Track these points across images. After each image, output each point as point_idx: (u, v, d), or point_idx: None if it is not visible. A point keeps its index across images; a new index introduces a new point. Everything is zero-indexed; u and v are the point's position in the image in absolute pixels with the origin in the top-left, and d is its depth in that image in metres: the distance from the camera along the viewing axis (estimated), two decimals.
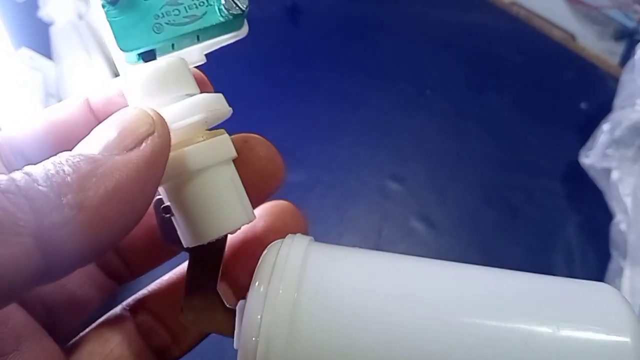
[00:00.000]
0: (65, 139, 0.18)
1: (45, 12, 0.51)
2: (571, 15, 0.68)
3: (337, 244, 0.19)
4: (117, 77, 0.19)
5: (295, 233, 0.20)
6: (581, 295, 0.18)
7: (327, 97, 0.56)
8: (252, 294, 0.16)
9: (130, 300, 0.21)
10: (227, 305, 0.18)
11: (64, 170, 0.13)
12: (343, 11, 0.62)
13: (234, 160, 0.18)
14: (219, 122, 0.18)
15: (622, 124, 0.49)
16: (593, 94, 0.60)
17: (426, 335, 0.15)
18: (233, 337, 0.17)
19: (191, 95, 0.17)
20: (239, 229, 0.18)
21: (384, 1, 0.64)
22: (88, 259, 0.14)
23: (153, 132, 0.15)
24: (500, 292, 0.17)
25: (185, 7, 0.16)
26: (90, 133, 0.15)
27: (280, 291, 0.16)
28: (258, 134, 0.21)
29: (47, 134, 0.19)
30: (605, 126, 0.50)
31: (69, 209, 0.13)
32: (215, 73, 0.20)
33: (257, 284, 0.16)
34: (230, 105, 0.18)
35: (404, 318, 0.16)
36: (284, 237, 0.20)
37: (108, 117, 0.16)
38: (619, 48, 0.66)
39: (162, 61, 0.17)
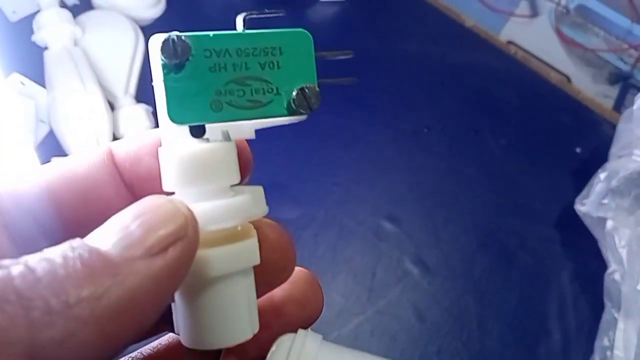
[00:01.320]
0: (84, 198, 0.17)
1: (40, 36, 0.50)
2: (567, 57, 0.69)
3: (346, 345, 0.18)
4: (152, 129, 0.17)
5: (312, 305, 0.20)
6: None
7: (323, 133, 0.55)
8: None
9: None
10: None
11: (74, 269, 0.11)
12: (341, 46, 0.61)
13: None
14: None
15: (619, 174, 0.49)
16: (588, 138, 0.61)
17: None
18: None
19: (232, 186, 0.16)
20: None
21: (382, 37, 0.63)
22: None
23: (183, 237, 0.13)
24: None
25: (251, 90, 0.15)
26: (112, 221, 0.13)
27: None
28: (271, 219, 0.19)
29: (63, 190, 0.17)
30: (602, 175, 0.50)
31: (73, 322, 0.11)
32: None
33: None
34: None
35: None
36: (302, 309, 0.19)
37: (133, 175, 0.15)
38: (613, 91, 0.67)
39: (213, 145, 0.15)
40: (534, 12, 0.72)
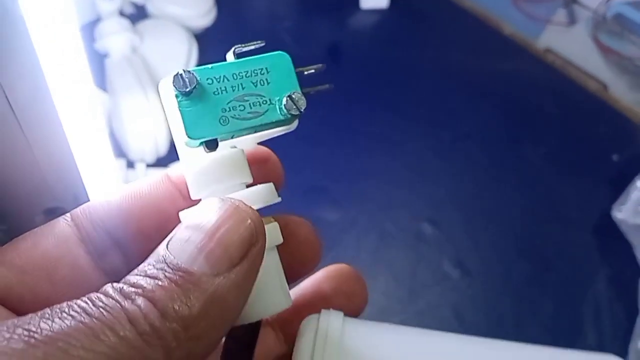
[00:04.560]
0: (149, 212, 0.19)
1: (102, 44, 0.53)
2: (604, 65, 0.69)
3: (369, 319, 0.20)
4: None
5: (357, 297, 0.22)
6: None
7: (365, 139, 0.58)
8: None
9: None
10: None
11: (189, 299, 0.14)
12: (382, 54, 0.64)
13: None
14: None
15: None
16: (625, 146, 0.61)
17: None
18: None
19: (247, 183, 0.19)
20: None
21: (422, 45, 0.65)
22: None
23: (256, 243, 0.15)
24: None
25: (250, 104, 0.18)
26: (192, 237, 0.15)
27: None
28: (302, 217, 0.22)
29: (130, 206, 0.19)
30: (638, 183, 0.51)
31: (191, 342, 0.14)
32: None
33: (298, 358, 0.17)
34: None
35: None
36: (349, 301, 0.22)
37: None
38: None
39: (225, 151, 0.18)
40: (572, 20, 0.72)
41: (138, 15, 0.59)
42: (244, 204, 0.16)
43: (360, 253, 0.51)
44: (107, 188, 0.36)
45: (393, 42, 0.65)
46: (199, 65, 0.18)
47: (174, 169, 0.20)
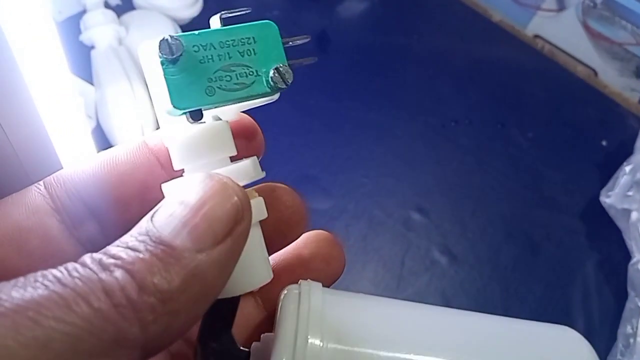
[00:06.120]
0: (124, 179, 0.19)
1: (87, 36, 0.53)
2: (593, 51, 0.69)
3: (347, 289, 0.20)
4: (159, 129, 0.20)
5: (335, 261, 0.22)
6: (547, 339, 0.20)
7: (353, 127, 0.57)
8: (279, 342, 0.17)
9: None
10: (241, 348, 0.19)
11: (169, 273, 0.13)
12: (371, 41, 0.63)
13: None
14: None
15: None
16: (614, 131, 0.61)
17: None
18: None
19: (231, 157, 0.19)
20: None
21: (410, 33, 0.65)
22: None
23: (241, 220, 0.15)
24: (488, 339, 0.19)
25: (236, 75, 0.17)
26: (177, 210, 0.15)
27: (309, 340, 0.17)
28: (283, 183, 0.22)
29: (107, 174, 0.19)
30: (627, 168, 0.51)
31: (168, 316, 0.13)
32: None
33: (282, 330, 0.17)
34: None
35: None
36: (327, 265, 0.22)
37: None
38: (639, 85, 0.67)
39: (210, 123, 0.18)
40: (561, 6, 0.72)
41: (124, 6, 0.59)
42: (232, 180, 0.16)
43: (350, 240, 0.51)
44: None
45: (382, 29, 0.65)
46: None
47: (152, 136, 0.20)
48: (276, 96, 0.19)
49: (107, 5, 0.56)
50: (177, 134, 0.18)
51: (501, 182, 0.56)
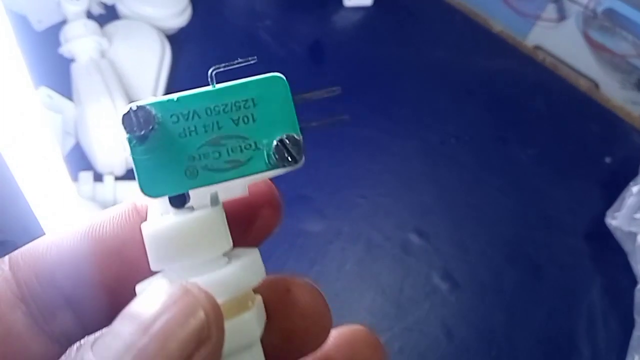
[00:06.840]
0: (111, 260, 0.15)
1: (67, 48, 0.50)
2: (595, 62, 0.67)
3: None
4: None
5: None
6: None
7: (348, 144, 0.55)
8: None
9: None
10: None
11: None
12: (367, 53, 0.61)
13: (267, 318, 0.15)
14: None
15: None
16: (617, 147, 0.59)
17: None
18: None
19: (225, 253, 0.14)
20: None
21: (407, 43, 0.63)
22: None
23: (206, 341, 0.12)
24: None
25: (227, 150, 0.13)
26: (121, 317, 0.12)
27: None
28: (303, 279, 0.16)
29: (90, 252, 0.15)
30: (634, 188, 0.49)
31: None
32: None
33: None
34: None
35: None
36: None
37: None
38: None
39: (193, 215, 0.14)
40: (561, 16, 0.70)
41: (107, 16, 0.56)
42: (198, 287, 0.12)
43: (346, 265, 0.49)
44: (63, 218, 0.33)
45: (377, 41, 0.63)
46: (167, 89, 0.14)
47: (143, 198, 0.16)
48: (301, 163, 0.14)
49: (89, 15, 0.53)
50: (155, 218, 0.14)
51: (502, 202, 0.54)
